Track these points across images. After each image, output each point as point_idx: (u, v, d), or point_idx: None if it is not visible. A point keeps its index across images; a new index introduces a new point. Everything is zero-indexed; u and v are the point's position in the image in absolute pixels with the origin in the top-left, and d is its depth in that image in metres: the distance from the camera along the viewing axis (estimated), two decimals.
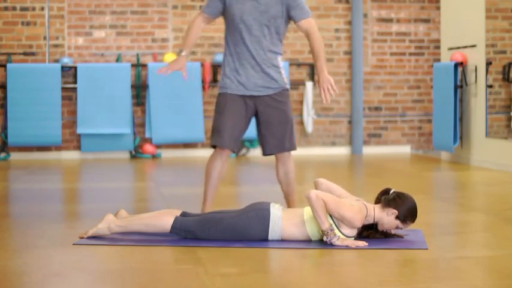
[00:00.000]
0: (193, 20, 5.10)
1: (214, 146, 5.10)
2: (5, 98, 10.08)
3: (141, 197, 6.93)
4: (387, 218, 4.39)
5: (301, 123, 10.81)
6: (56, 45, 10.36)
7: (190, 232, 4.44)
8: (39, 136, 9.95)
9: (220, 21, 10.55)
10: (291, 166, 5.18)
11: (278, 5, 4.99)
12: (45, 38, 10.31)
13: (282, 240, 4.43)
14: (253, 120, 5.19)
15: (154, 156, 10.37)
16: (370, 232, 4.49)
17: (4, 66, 9.99)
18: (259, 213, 4.42)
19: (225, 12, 5.05)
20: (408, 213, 4.38)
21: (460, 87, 9.31)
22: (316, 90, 10.78)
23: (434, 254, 4.19)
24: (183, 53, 4.99)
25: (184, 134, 10.28)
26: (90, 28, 10.46)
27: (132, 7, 10.54)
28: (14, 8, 10.25)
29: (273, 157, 5.22)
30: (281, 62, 5.10)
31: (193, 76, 10.24)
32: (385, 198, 4.42)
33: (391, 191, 4.47)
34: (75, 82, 10.22)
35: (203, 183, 5.16)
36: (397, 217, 4.38)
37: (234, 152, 5.14)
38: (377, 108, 11.17)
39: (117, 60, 10.44)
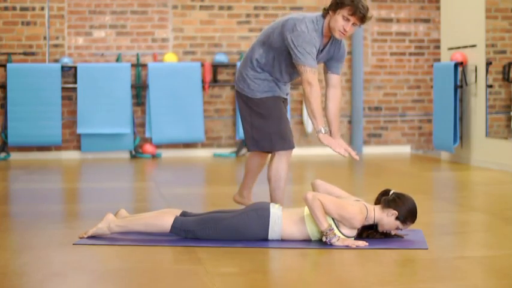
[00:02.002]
0: (315, 87, 4.83)
1: (268, 151, 5.14)
2: (5, 98, 10.08)
3: (141, 196, 6.93)
4: (387, 218, 4.39)
5: (301, 123, 10.81)
6: (56, 45, 10.36)
7: (190, 232, 4.44)
8: (39, 136, 9.95)
9: (220, 20, 10.64)
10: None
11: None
12: (45, 38, 10.31)
13: (282, 240, 4.43)
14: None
15: (154, 156, 10.37)
16: (370, 232, 4.49)
17: (4, 66, 9.99)
18: (259, 213, 4.42)
19: (283, 45, 4.96)
20: (408, 214, 4.38)
21: (460, 87, 9.31)
22: None
23: (434, 254, 4.19)
24: (323, 131, 4.90)
25: (185, 134, 10.28)
26: (90, 28, 10.46)
27: (132, 7, 10.54)
28: (14, 8, 10.25)
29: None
30: None
31: (194, 76, 10.25)
32: (385, 199, 4.42)
33: (391, 192, 4.47)
34: (75, 82, 10.23)
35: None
36: (397, 218, 4.37)
37: None
38: (377, 108, 11.17)
39: (117, 60, 10.44)
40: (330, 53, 5.05)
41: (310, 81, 4.84)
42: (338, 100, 5.16)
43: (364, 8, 4.76)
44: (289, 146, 5.11)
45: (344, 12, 4.78)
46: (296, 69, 4.97)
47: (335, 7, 4.83)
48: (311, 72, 4.84)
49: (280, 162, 5.07)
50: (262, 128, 5.08)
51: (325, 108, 5.18)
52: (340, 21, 4.80)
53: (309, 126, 10.71)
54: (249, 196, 5.49)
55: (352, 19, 4.79)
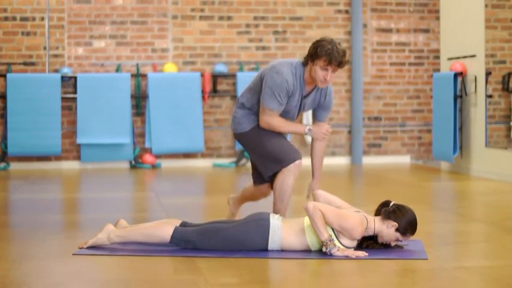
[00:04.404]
0: (276, 123, 4.94)
1: (279, 170, 5.07)
2: (4, 108, 10.09)
3: (141, 207, 6.93)
4: (387, 230, 4.39)
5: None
6: (55, 55, 10.37)
7: (190, 242, 4.44)
8: (39, 146, 9.95)
9: (220, 31, 10.66)
10: None
11: None
12: (45, 48, 10.33)
13: (282, 250, 4.43)
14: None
15: (154, 166, 10.36)
16: (370, 243, 4.49)
17: (4, 76, 10.00)
18: (259, 223, 4.42)
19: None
20: (408, 225, 4.38)
21: (460, 97, 9.32)
22: None
23: (434, 264, 4.19)
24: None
25: (184, 144, 10.28)
26: (90, 38, 10.48)
27: (132, 17, 10.56)
28: (14, 18, 10.27)
29: None
30: None
31: (193, 86, 10.26)
32: (385, 211, 4.42)
33: (391, 203, 4.47)
34: (75, 92, 10.23)
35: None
36: (397, 229, 4.38)
37: None
38: (377, 118, 11.18)
39: (117, 70, 10.45)
40: (316, 100, 5.07)
41: (268, 121, 4.94)
42: (323, 151, 5.23)
43: (339, 55, 4.79)
44: (295, 158, 5.01)
45: (320, 63, 4.82)
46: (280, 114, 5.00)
47: (311, 58, 4.87)
48: (269, 115, 4.93)
49: (287, 176, 5.02)
50: (269, 152, 5.05)
51: (311, 157, 5.23)
52: (319, 72, 4.85)
53: (308, 137, 10.71)
54: (237, 208, 5.51)
55: (330, 68, 4.82)
